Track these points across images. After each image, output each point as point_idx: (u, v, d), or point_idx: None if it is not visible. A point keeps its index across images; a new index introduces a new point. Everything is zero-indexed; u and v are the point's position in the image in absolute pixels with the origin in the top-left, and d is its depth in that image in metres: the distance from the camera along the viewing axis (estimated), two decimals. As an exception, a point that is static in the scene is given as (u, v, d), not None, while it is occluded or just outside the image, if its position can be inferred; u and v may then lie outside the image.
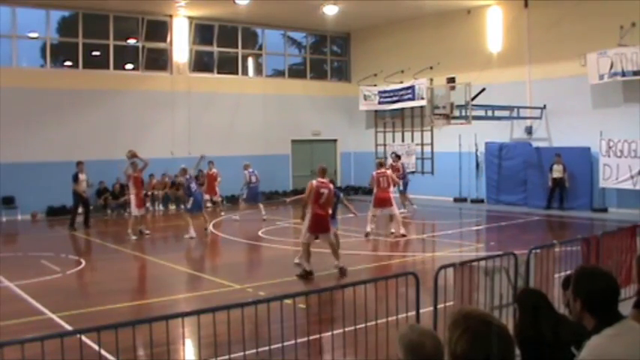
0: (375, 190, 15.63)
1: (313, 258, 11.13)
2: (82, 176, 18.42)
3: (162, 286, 11.22)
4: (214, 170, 20.25)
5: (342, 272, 11.05)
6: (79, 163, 18.46)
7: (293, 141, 26.15)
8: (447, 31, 23.19)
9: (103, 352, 4.68)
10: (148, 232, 17.10)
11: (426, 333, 2.51)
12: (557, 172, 19.39)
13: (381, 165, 16.37)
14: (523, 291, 4.93)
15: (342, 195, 13.27)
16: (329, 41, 28.34)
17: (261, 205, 19.35)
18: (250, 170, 19.30)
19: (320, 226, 11.08)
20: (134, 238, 16.21)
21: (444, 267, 6.14)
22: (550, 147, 20.51)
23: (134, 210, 16.79)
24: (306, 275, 10.91)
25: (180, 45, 23.60)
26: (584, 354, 2.89)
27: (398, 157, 21.53)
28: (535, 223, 17.90)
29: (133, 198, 16.87)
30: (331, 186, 11.42)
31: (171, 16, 23.36)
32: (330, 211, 11.39)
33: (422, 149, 25.06)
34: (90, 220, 18.85)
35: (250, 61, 26.47)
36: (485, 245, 14.83)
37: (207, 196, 20.41)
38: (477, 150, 22.41)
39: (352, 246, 14.91)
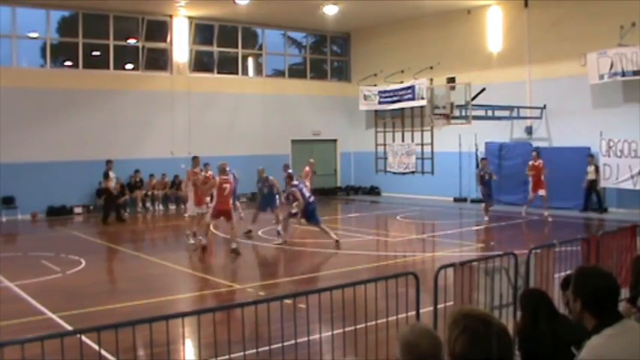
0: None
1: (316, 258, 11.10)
2: (111, 174, 19.60)
3: (162, 286, 11.22)
4: (210, 172, 19.37)
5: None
6: (108, 162, 19.62)
7: (293, 141, 26.15)
8: (447, 31, 23.19)
9: (103, 352, 4.68)
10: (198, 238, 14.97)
11: (424, 333, 2.51)
12: (591, 173, 18.80)
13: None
14: (525, 291, 4.94)
15: None
16: (329, 41, 28.35)
17: (237, 204, 19.47)
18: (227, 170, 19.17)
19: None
20: (201, 239, 14.43)
21: (444, 267, 6.14)
22: (550, 147, 20.51)
23: (194, 208, 15.10)
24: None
25: (180, 45, 23.60)
26: (584, 354, 2.89)
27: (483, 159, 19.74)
28: (535, 223, 17.89)
29: (191, 196, 15.18)
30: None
31: (171, 16, 23.37)
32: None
33: (422, 149, 25.06)
34: (109, 215, 19.66)
35: (250, 61, 26.48)
36: (486, 245, 14.82)
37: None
38: (477, 150, 22.41)
39: (352, 246, 14.91)
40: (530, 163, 18.41)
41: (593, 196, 19.16)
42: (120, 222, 19.71)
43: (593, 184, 18.85)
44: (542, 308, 4.17)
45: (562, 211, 19.12)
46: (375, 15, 23.85)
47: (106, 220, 19.31)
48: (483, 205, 18.77)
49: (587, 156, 19.00)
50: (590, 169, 18.82)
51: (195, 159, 15.61)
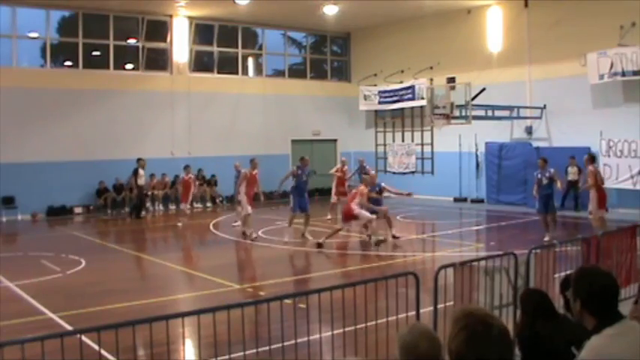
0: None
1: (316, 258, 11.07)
2: (141, 171, 20.49)
3: (162, 286, 11.22)
4: (191, 176, 19.23)
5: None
6: (139, 160, 20.40)
7: (293, 141, 26.15)
8: (447, 31, 23.19)
9: (103, 352, 4.68)
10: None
11: (423, 334, 2.51)
12: (572, 174, 18.94)
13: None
14: (525, 291, 4.95)
15: None
16: (329, 41, 28.34)
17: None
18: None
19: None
20: (254, 236, 15.39)
21: (444, 267, 6.14)
22: (550, 147, 20.51)
23: (248, 208, 15.52)
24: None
25: (180, 45, 23.60)
26: (584, 354, 2.89)
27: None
28: (535, 223, 17.85)
29: (244, 197, 15.65)
30: None
31: (171, 16, 23.36)
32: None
33: (422, 149, 25.06)
34: (141, 211, 20.88)
35: (250, 61, 26.48)
36: (485, 245, 14.82)
37: (184, 205, 19.13)
38: (477, 150, 22.42)
39: (352, 246, 14.92)
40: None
41: (571, 195, 19.14)
42: (136, 217, 20.49)
43: (574, 184, 18.85)
44: (541, 309, 4.17)
45: (561, 211, 19.12)
46: (375, 15, 23.85)
47: (139, 215, 20.58)
48: (542, 217, 14.67)
49: (569, 157, 18.88)
50: (573, 170, 18.86)
51: (253, 161, 16.24)
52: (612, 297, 3.00)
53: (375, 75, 25.78)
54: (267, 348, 5.72)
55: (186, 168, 19.12)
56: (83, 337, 4.81)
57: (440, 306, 5.97)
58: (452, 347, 2.34)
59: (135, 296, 9.74)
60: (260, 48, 26.71)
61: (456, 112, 18.61)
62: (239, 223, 16.60)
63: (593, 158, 14.40)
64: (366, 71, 26.37)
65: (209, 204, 23.38)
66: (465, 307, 2.51)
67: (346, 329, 6.33)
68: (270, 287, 10.48)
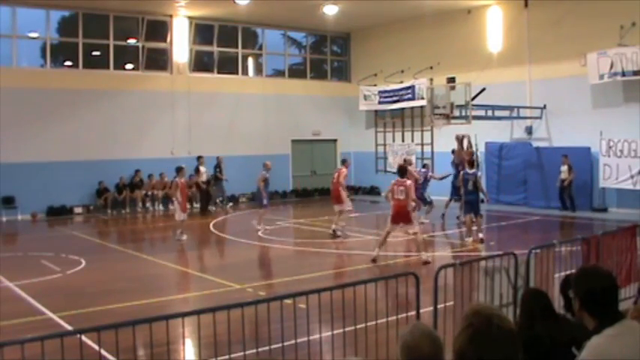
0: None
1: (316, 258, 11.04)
2: (202, 169, 21.26)
3: (162, 286, 11.23)
4: (184, 179, 16.60)
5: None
6: (199, 158, 21.27)
7: (293, 141, 26.15)
8: (447, 31, 23.18)
9: (103, 352, 4.68)
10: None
11: (425, 335, 2.50)
12: (564, 172, 19.11)
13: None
14: (525, 291, 4.95)
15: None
16: (329, 41, 28.34)
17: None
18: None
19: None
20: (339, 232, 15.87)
21: (444, 267, 6.14)
22: (550, 147, 20.51)
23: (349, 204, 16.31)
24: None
25: (180, 45, 23.59)
26: (584, 354, 2.89)
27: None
28: (535, 223, 17.89)
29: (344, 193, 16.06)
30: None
31: (171, 16, 23.36)
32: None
33: (422, 149, 25.05)
34: (207, 209, 21.44)
35: (250, 61, 26.47)
36: (485, 245, 14.81)
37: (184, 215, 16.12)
38: (477, 150, 22.37)
39: (353, 246, 14.92)
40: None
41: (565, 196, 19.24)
42: (204, 213, 20.82)
43: (563, 183, 18.98)
44: (541, 309, 4.17)
45: (561, 211, 19.14)
46: (375, 15, 23.84)
47: (206, 210, 21.16)
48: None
49: (562, 155, 19.05)
50: (564, 168, 18.93)
51: (346, 161, 17.13)
52: (612, 297, 3.00)
53: (375, 75, 25.77)
54: (267, 348, 5.73)
55: (180, 170, 16.40)
56: (83, 337, 4.81)
57: (440, 306, 5.98)
58: (455, 345, 2.34)
59: (135, 296, 9.74)
60: (260, 48, 26.70)
61: (456, 112, 18.60)
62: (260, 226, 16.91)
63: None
64: (366, 71, 26.36)
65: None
66: (476, 305, 2.50)
67: (346, 329, 6.33)
68: (270, 287, 10.48)
